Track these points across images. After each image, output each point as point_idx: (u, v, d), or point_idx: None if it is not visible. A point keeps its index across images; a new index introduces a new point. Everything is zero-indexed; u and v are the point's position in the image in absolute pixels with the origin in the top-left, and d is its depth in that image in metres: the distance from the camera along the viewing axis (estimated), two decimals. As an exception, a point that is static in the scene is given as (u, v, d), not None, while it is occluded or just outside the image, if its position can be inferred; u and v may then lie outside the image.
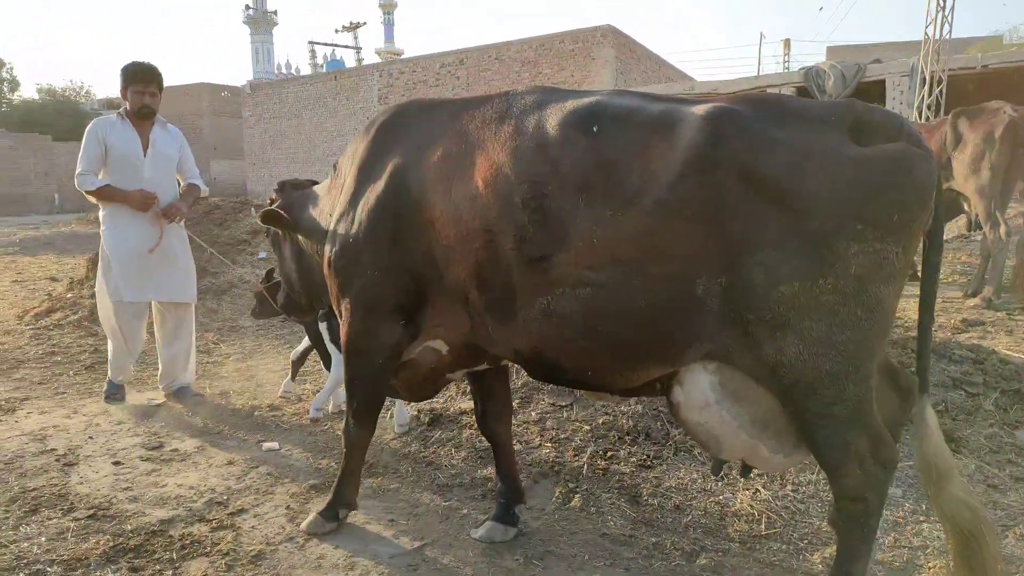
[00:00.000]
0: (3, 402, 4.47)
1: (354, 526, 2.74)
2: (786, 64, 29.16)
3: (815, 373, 1.80)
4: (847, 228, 1.75)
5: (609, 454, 3.15)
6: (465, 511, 2.85)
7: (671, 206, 1.85)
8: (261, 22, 59.90)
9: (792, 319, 1.78)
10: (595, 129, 2.00)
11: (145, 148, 4.28)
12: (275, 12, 60.82)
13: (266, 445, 3.61)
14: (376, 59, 48.47)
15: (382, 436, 3.59)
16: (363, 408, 2.63)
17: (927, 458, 1.91)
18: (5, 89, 42.32)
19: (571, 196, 1.97)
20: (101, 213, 4.34)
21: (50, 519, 2.81)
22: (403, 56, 37.32)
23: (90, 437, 3.78)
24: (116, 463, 3.41)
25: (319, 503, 2.79)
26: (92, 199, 4.28)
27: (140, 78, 4.20)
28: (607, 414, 3.39)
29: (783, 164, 1.79)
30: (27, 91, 39.80)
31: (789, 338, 1.79)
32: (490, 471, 3.02)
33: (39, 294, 7.78)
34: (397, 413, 3.69)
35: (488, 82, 21.84)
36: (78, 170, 4.17)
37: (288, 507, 2.90)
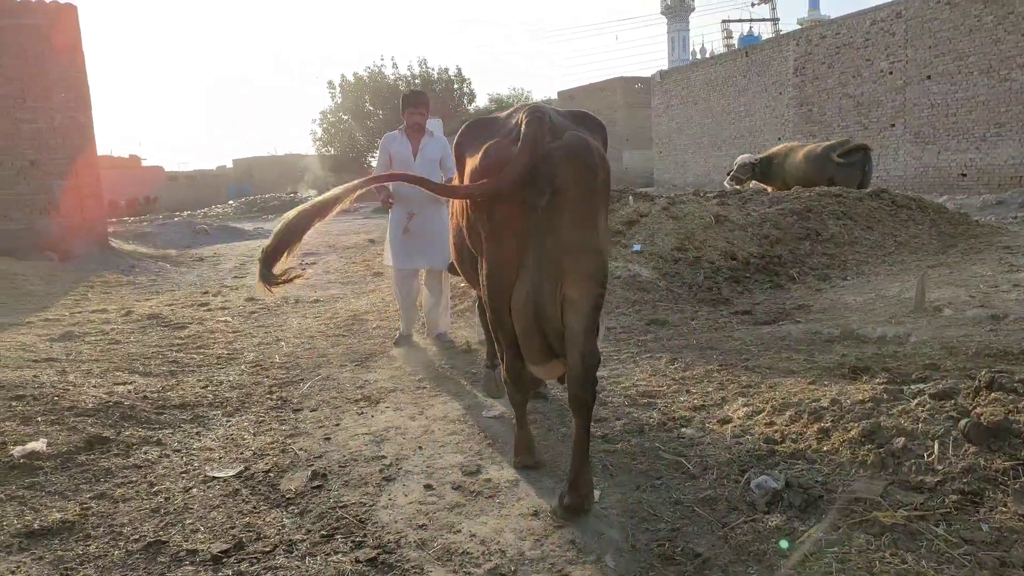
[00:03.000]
0: (374, 392, 4.61)
1: None
2: None
3: None
4: None
5: None
6: None
7: None
8: (678, 10, 60.40)
9: None
10: None
11: (415, 154, 5.57)
12: (691, -1, 60.74)
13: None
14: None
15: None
16: None
17: None
18: (464, 101, 49.75)
19: None
20: None
21: (336, 553, 2.52)
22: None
23: (419, 447, 3.54)
24: (427, 486, 3.06)
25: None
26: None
27: (412, 102, 5.61)
28: None
29: None
30: (480, 101, 45.93)
31: None
32: None
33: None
34: None
35: (934, 34, 18.04)
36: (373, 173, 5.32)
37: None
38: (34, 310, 8.74)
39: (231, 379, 5.16)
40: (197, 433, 3.98)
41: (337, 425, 4.00)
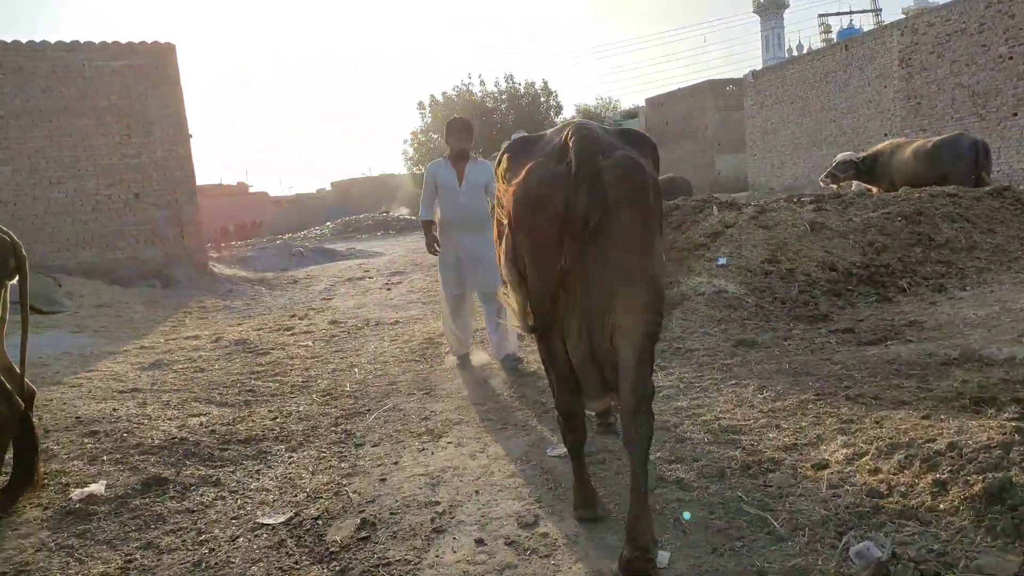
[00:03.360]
0: (438, 424, 4.41)
1: None
2: None
3: None
4: None
5: None
6: None
7: None
8: (770, 7, 58.29)
9: None
10: None
11: (461, 180, 5.67)
12: (785, -6, 58.46)
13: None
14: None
15: None
16: None
17: None
18: (551, 114, 49.66)
19: None
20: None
21: (369, 624, 2.28)
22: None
23: (476, 492, 3.28)
24: (479, 540, 2.79)
25: None
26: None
27: (456, 129, 5.72)
28: None
29: None
30: (567, 112, 45.64)
31: None
32: None
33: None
34: None
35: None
36: (421, 203, 5.98)
37: None
38: (133, 337, 9.10)
39: (301, 409, 5.08)
40: (257, 471, 3.88)
41: (396, 464, 3.80)
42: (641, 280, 2.47)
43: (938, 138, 10.88)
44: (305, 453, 4.13)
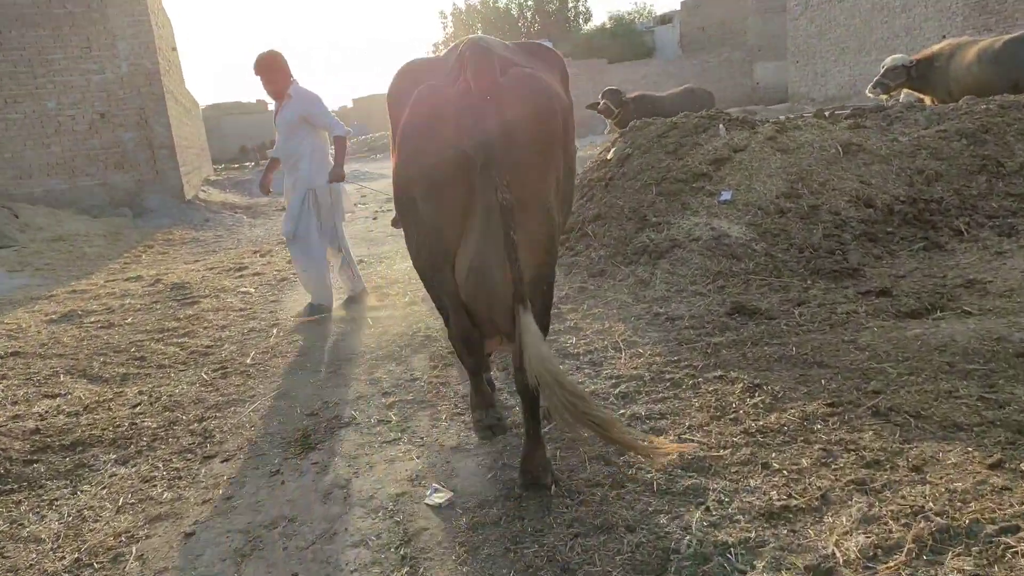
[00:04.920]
0: (322, 427, 3.33)
1: None
2: None
3: None
4: None
5: None
6: None
7: None
8: None
9: None
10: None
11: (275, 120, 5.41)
12: None
13: None
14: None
15: None
16: None
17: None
18: (580, 21, 46.86)
19: None
20: None
21: None
22: None
23: None
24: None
25: None
26: None
27: (258, 72, 5.22)
28: None
29: None
30: (597, 19, 42.94)
31: None
32: None
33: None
34: None
35: None
36: None
37: None
38: (74, 277, 8.19)
39: (177, 391, 4.08)
40: (51, 503, 2.86)
41: (228, 499, 2.73)
42: (536, 213, 2.28)
43: (1009, 36, 9.08)
44: (134, 470, 3.10)
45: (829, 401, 2.76)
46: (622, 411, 2.97)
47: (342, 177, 5.41)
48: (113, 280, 7.97)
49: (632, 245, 4.79)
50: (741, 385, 3.01)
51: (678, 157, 5.18)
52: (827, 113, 5.82)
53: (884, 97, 9.89)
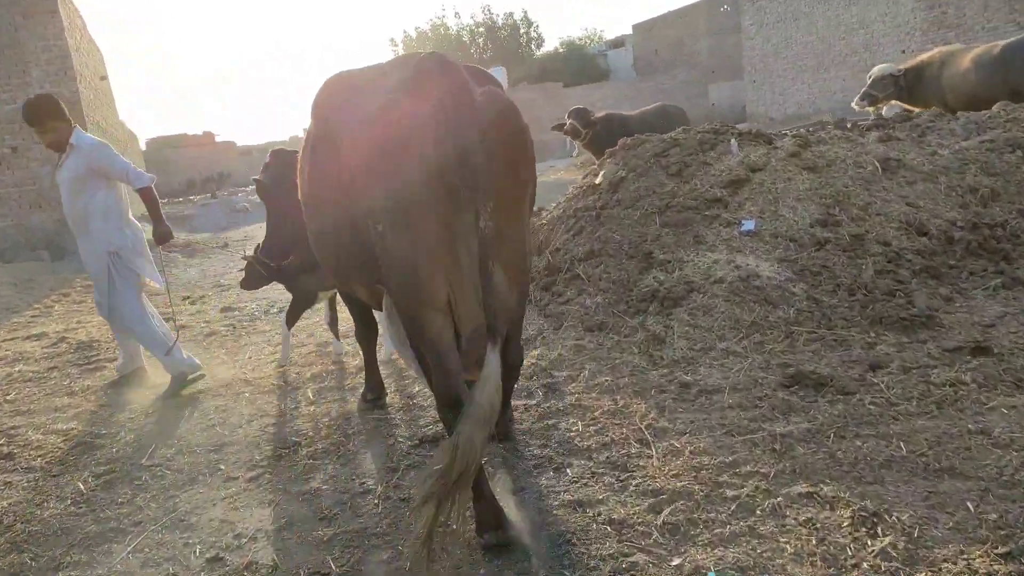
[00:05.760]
0: None
1: None
2: None
3: None
4: None
5: None
6: None
7: None
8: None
9: None
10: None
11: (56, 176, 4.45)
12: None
13: None
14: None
15: None
16: None
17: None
18: (533, 47, 46.61)
19: None
20: None
21: None
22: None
23: None
24: None
25: None
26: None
27: (28, 120, 4.26)
28: None
29: None
30: (550, 44, 42.75)
31: None
32: None
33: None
34: None
35: None
36: None
37: None
38: (-36, 337, 6.91)
39: (38, 514, 2.95)
40: None
41: None
42: (514, 243, 2.18)
43: (1006, 42, 8.51)
44: None
45: (998, 543, 1.80)
46: (676, 560, 1.97)
47: (168, 236, 4.50)
48: (12, 339, 6.75)
49: (637, 290, 3.83)
50: (848, 513, 2.03)
51: (683, 179, 4.25)
52: (850, 124, 4.97)
53: (871, 110, 9.28)
